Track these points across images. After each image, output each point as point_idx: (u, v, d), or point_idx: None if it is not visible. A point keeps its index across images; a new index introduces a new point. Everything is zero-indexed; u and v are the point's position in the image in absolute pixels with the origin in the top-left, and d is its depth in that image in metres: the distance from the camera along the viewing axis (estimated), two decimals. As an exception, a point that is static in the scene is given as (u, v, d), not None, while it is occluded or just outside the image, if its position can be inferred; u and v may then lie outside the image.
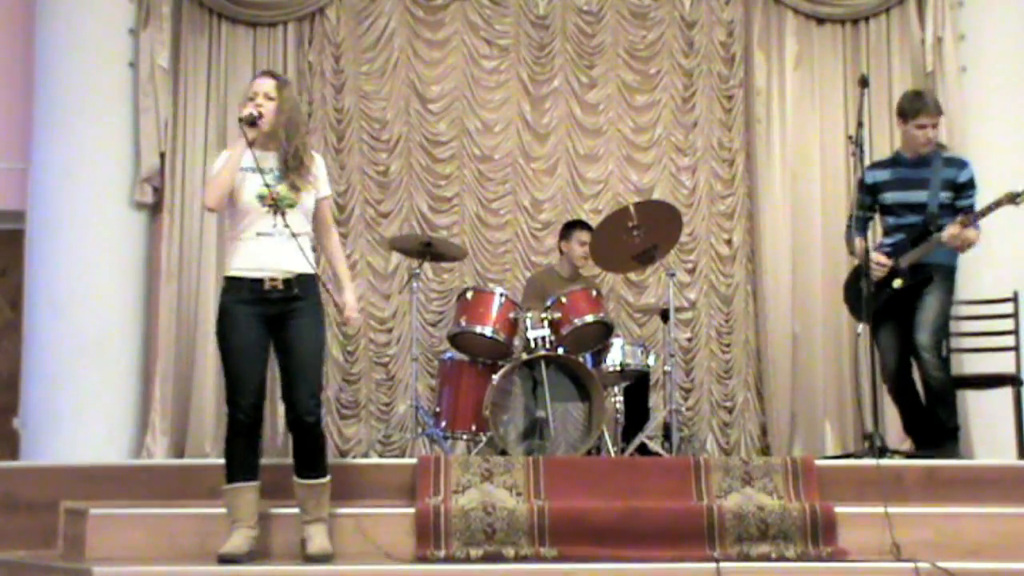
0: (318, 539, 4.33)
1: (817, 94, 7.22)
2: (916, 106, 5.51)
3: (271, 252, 4.36)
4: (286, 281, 4.36)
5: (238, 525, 4.33)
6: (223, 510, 4.40)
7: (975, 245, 5.44)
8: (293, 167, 4.43)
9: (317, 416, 4.41)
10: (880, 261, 5.47)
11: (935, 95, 5.68)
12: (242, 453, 4.37)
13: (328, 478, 4.46)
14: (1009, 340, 5.91)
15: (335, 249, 4.70)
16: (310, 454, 4.41)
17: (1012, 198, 5.25)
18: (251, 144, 4.36)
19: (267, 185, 4.35)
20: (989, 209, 5.31)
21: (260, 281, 4.35)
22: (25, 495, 4.77)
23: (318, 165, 4.56)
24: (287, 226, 4.37)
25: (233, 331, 4.36)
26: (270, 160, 4.43)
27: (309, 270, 4.43)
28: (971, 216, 5.34)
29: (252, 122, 4.37)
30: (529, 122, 7.29)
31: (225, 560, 4.22)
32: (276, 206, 4.36)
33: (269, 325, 4.39)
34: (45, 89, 6.65)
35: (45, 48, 6.69)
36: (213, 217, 6.84)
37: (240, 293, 4.36)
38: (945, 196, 5.44)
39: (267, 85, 4.46)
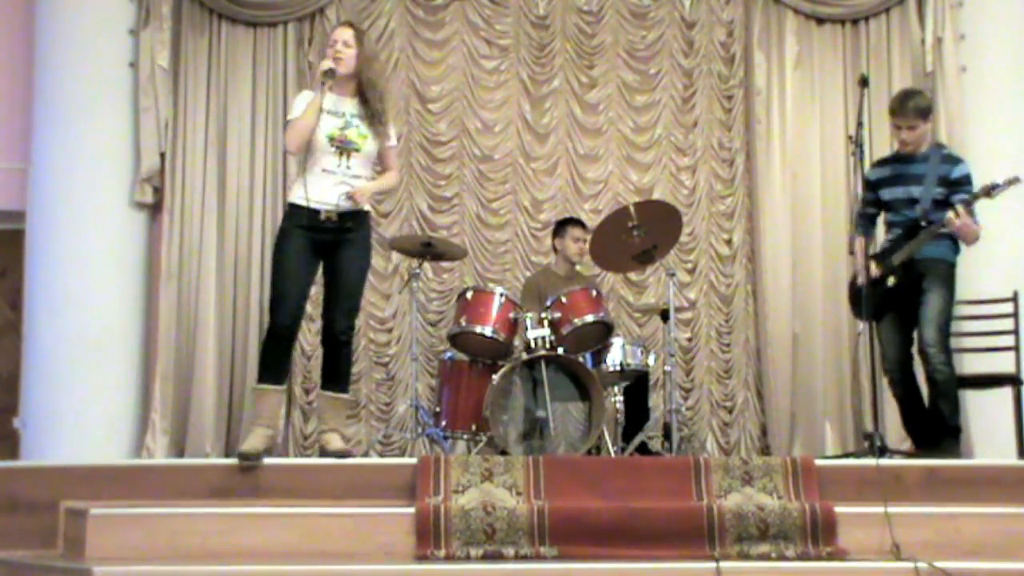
0: (335, 442, 4.97)
1: (817, 94, 7.22)
2: (892, 107, 5.54)
3: (333, 188, 4.89)
4: (340, 215, 4.90)
5: (258, 423, 4.93)
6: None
7: (978, 237, 5.42)
8: (367, 115, 4.98)
9: (349, 336, 5.04)
10: (872, 271, 5.50)
11: (925, 98, 5.57)
12: (275, 358, 4.97)
13: (348, 395, 5.16)
14: (1009, 340, 5.90)
15: (384, 178, 5.16)
16: (335, 367, 5.04)
17: (987, 191, 5.27)
18: (330, 89, 4.87)
19: (340, 128, 4.90)
20: (973, 199, 5.29)
21: (318, 212, 4.87)
22: (25, 495, 4.76)
23: (391, 124, 5.13)
24: (349, 168, 4.93)
25: (285, 252, 4.93)
26: (347, 105, 4.97)
27: (363, 207, 4.96)
28: (965, 203, 5.30)
29: (332, 74, 4.89)
30: (529, 122, 7.29)
31: (243, 457, 4.73)
32: (343, 148, 4.91)
33: (320, 251, 4.96)
34: (45, 89, 6.65)
35: (45, 48, 6.69)
36: (213, 217, 6.87)
37: (299, 219, 4.90)
38: (939, 192, 5.43)
39: (346, 34, 5.01)
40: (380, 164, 5.17)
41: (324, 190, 4.89)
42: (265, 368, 4.99)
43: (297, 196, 4.93)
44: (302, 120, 4.89)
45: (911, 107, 5.46)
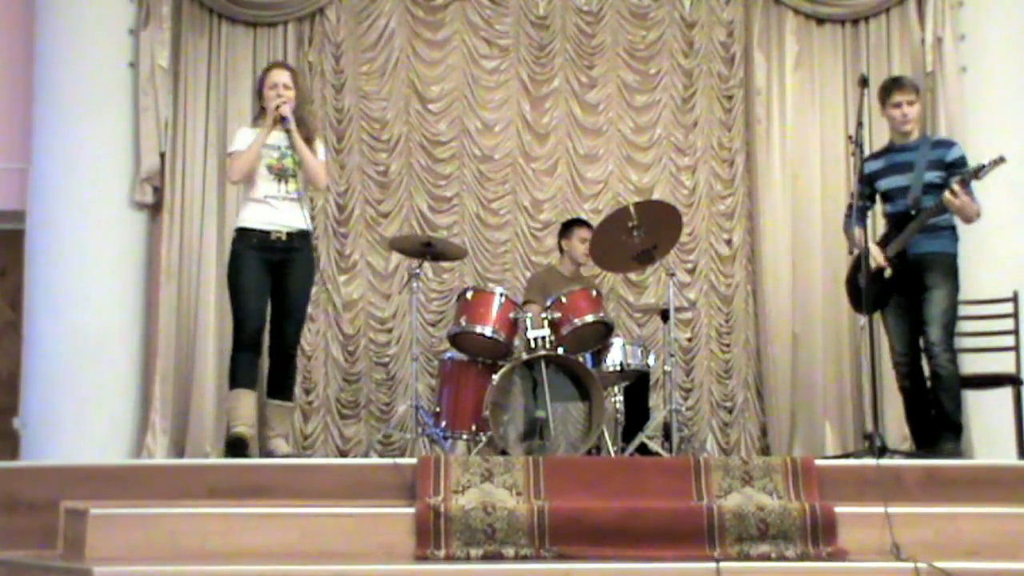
0: (283, 448, 5.46)
1: (817, 94, 7.22)
2: (889, 86, 5.58)
3: (277, 212, 5.40)
4: (288, 234, 5.40)
5: (238, 423, 5.35)
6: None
7: (979, 214, 5.41)
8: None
9: (295, 348, 5.59)
10: (875, 257, 5.49)
11: (914, 80, 5.70)
12: (245, 366, 5.41)
13: (293, 404, 5.78)
14: (1009, 340, 5.91)
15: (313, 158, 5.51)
16: (283, 378, 5.51)
17: (975, 172, 5.28)
18: (287, 130, 5.38)
19: (277, 159, 5.40)
20: (965, 178, 5.27)
21: (267, 233, 5.38)
22: (25, 495, 4.76)
23: (320, 143, 5.63)
24: (288, 191, 5.41)
25: (242, 272, 5.40)
26: (281, 138, 5.42)
27: (306, 227, 5.47)
28: (961, 181, 5.28)
29: (286, 121, 5.38)
30: (529, 122, 7.29)
31: (230, 442, 5.28)
32: (282, 175, 5.40)
33: (271, 268, 5.41)
34: (45, 89, 6.64)
35: (45, 48, 6.69)
36: (213, 217, 6.87)
37: (250, 241, 5.40)
38: (933, 176, 5.44)
39: (284, 76, 5.50)
40: None
41: (269, 214, 5.39)
42: (236, 378, 5.42)
43: (245, 221, 5.43)
44: (247, 155, 5.39)
45: (907, 80, 5.59)
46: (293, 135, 5.38)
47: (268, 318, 5.55)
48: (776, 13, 7.26)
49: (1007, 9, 6.88)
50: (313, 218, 7.00)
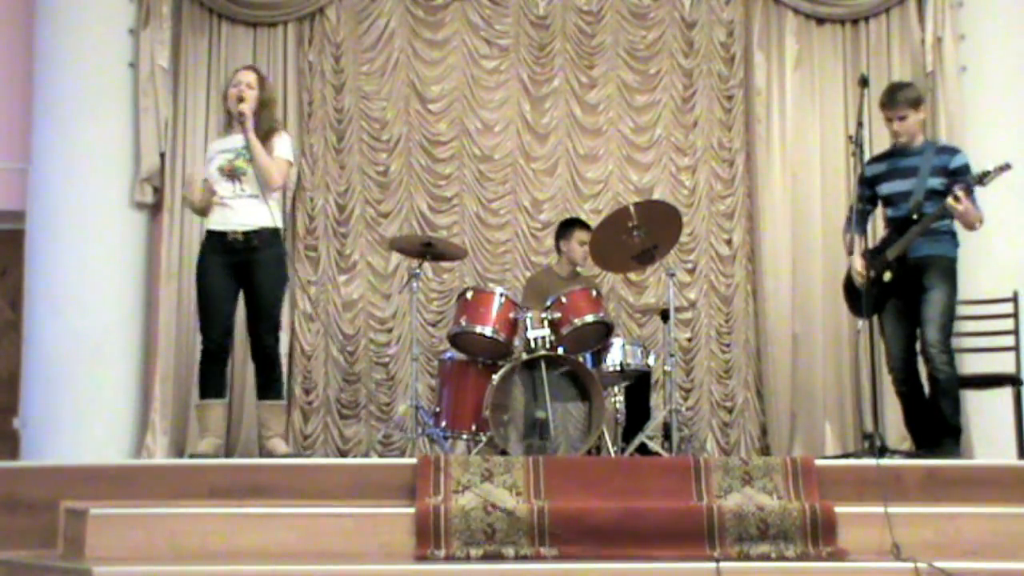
0: (280, 448, 5.41)
1: (817, 94, 7.22)
2: (883, 100, 5.58)
3: (232, 211, 5.34)
4: (245, 234, 5.33)
5: (207, 435, 5.39)
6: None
7: (981, 221, 5.41)
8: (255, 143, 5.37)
9: (274, 348, 5.46)
10: (858, 271, 5.50)
11: (914, 89, 5.64)
12: (212, 375, 5.42)
13: (284, 402, 5.69)
14: (1009, 340, 5.91)
15: (266, 155, 5.37)
16: (268, 378, 5.44)
17: (980, 178, 5.30)
18: (242, 125, 5.32)
19: (229, 160, 5.35)
20: (969, 185, 5.29)
21: (224, 235, 5.34)
22: (25, 495, 4.76)
23: (281, 138, 5.46)
24: (244, 189, 5.34)
25: (205, 276, 5.39)
26: (237, 141, 5.37)
27: (267, 224, 5.33)
28: (965, 187, 5.30)
29: (244, 118, 5.34)
30: (529, 122, 7.29)
31: (196, 456, 5.30)
32: (233, 175, 5.35)
33: (235, 272, 5.36)
34: (45, 89, 6.65)
35: (45, 48, 6.69)
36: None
37: (213, 245, 5.39)
38: (936, 183, 5.43)
39: (249, 76, 5.48)
40: None
41: (226, 215, 5.34)
42: (205, 385, 5.43)
43: (208, 223, 5.43)
44: (189, 202, 5.53)
45: (900, 98, 5.51)
46: (249, 133, 5.30)
47: (240, 320, 5.52)
48: (776, 13, 7.26)
49: (1007, 9, 6.88)
50: (313, 218, 7.06)
